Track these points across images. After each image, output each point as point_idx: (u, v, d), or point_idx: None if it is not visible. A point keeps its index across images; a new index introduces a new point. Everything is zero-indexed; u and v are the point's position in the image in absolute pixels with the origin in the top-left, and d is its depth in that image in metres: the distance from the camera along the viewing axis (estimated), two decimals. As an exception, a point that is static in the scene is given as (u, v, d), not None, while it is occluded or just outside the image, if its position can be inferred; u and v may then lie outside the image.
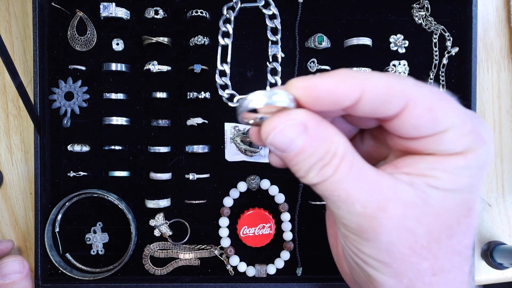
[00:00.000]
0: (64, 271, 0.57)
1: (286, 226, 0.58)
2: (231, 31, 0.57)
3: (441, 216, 0.27)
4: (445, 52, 0.59)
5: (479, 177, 0.27)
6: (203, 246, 0.59)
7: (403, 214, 0.26)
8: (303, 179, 0.27)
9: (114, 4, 0.57)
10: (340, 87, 0.25)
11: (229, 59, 0.57)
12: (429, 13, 0.59)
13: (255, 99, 0.24)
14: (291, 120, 0.25)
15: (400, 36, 0.58)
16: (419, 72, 0.59)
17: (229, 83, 0.57)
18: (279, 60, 0.57)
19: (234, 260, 0.58)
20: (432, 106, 0.25)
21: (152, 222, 0.58)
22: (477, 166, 0.27)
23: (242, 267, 0.58)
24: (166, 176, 0.58)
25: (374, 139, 0.33)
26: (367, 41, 0.57)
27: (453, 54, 0.58)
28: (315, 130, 0.26)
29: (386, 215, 0.26)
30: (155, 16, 0.58)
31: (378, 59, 0.59)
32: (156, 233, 0.58)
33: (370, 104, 0.25)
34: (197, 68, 0.57)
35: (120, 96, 0.58)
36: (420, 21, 0.59)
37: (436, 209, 0.26)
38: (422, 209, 0.26)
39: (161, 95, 0.58)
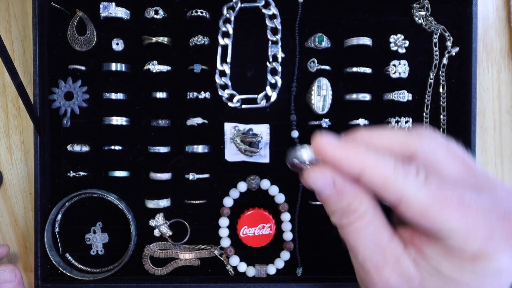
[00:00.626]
0: (64, 271, 0.57)
1: (286, 226, 0.58)
2: (231, 31, 0.57)
3: None
4: (445, 52, 0.59)
5: (493, 285, 0.27)
6: (203, 246, 0.59)
7: (395, 281, 0.28)
8: (330, 216, 0.33)
9: (114, 4, 0.57)
10: (343, 162, 0.29)
11: (229, 59, 0.57)
12: (429, 13, 0.59)
13: (305, 154, 0.33)
14: (323, 175, 0.31)
15: (400, 36, 0.58)
16: (419, 72, 0.59)
17: (229, 83, 0.57)
18: (279, 60, 0.57)
19: (234, 260, 0.58)
20: (428, 209, 0.26)
21: (152, 222, 0.58)
22: (489, 275, 0.26)
23: (242, 267, 0.58)
24: (166, 176, 0.58)
25: None
26: (367, 41, 0.57)
27: (453, 54, 0.58)
28: (341, 186, 0.30)
29: (379, 274, 0.29)
30: (155, 16, 0.58)
31: (378, 59, 0.59)
32: (156, 233, 0.58)
33: (369, 186, 0.28)
34: (197, 68, 0.57)
35: (120, 96, 0.58)
36: (420, 21, 0.59)
37: None
38: (416, 285, 0.28)
39: (161, 95, 0.58)
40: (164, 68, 0.57)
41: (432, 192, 0.26)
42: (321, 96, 0.57)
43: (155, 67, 0.57)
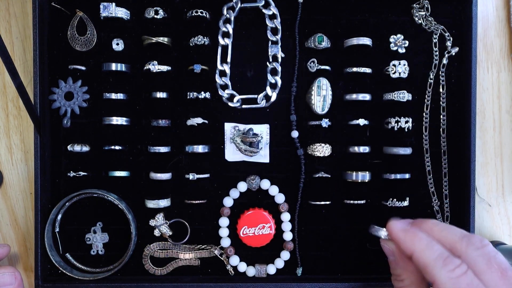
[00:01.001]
0: (64, 271, 0.57)
1: (286, 226, 0.58)
2: (231, 31, 0.57)
3: None
4: (445, 52, 0.59)
5: None
6: (203, 246, 0.59)
7: None
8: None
9: (114, 4, 0.57)
10: (401, 242, 0.41)
11: (229, 59, 0.57)
12: (429, 13, 0.59)
13: (381, 232, 0.48)
14: (388, 246, 0.46)
15: (400, 36, 0.58)
16: (419, 72, 0.59)
17: (229, 83, 0.57)
18: (279, 60, 0.57)
19: (234, 260, 0.58)
20: (425, 264, 0.38)
21: (152, 222, 0.58)
22: None
23: (242, 267, 0.58)
24: (166, 176, 0.58)
25: None
26: (367, 41, 0.57)
27: (453, 54, 0.58)
28: (396, 259, 0.43)
29: None
30: (155, 16, 0.58)
31: (378, 59, 0.59)
32: (156, 233, 0.58)
33: (417, 264, 0.39)
34: (197, 68, 0.57)
35: (120, 96, 0.58)
36: (420, 21, 0.59)
37: None
38: None
39: (161, 95, 0.58)
40: (164, 68, 0.57)
41: (459, 286, 0.35)
42: (321, 96, 0.57)
43: (155, 67, 0.57)
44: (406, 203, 0.58)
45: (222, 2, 0.57)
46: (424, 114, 0.59)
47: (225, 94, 0.57)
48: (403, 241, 0.40)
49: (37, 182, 0.56)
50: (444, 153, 0.59)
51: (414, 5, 0.59)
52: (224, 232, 0.58)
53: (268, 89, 0.57)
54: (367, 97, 0.58)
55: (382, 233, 0.47)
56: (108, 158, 0.59)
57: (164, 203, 0.58)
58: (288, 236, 0.58)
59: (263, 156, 0.58)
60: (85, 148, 0.58)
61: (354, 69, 0.57)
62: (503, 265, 0.37)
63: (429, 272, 0.37)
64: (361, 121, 0.57)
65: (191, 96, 0.57)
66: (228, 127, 0.58)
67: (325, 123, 0.58)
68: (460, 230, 0.40)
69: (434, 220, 0.43)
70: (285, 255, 0.58)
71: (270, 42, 0.58)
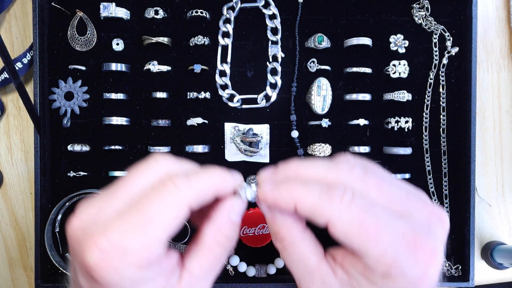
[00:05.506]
0: (64, 271, 0.57)
1: (286, 226, 0.58)
2: (231, 31, 0.57)
3: None
4: (445, 52, 0.59)
5: None
6: (203, 246, 0.59)
7: None
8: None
9: (114, 4, 0.57)
10: (281, 204, 0.33)
11: (229, 59, 0.57)
12: (429, 13, 0.59)
13: (249, 194, 0.36)
14: (263, 203, 0.35)
15: (400, 36, 0.58)
16: (419, 72, 0.59)
17: (229, 83, 0.57)
18: (279, 60, 0.57)
19: (234, 260, 0.58)
20: (349, 230, 0.30)
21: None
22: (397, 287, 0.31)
23: (242, 267, 0.58)
24: (166, 176, 0.58)
25: None
26: (367, 41, 0.57)
27: (453, 54, 0.58)
28: (271, 215, 0.35)
29: None
30: (155, 16, 0.58)
31: (378, 59, 0.59)
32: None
33: (304, 215, 0.32)
34: (197, 68, 0.57)
35: (120, 96, 0.58)
36: (420, 21, 0.59)
37: None
38: None
39: (161, 95, 0.58)
40: (164, 68, 0.57)
41: (353, 216, 0.29)
42: (321, 96, 0.57)
43: (155, 67, 0.57)
44: (406, 203, 0.58)
45: (222, 2, 0.57)
46: (424, 114, 0.59)
47: (225, 94, 0.57)
48: (281, 201, 0.32)
49: (37, 182, 0.56)
50: (444, 153, 0.59)
51: (414, 5, 0.59)
52: (224, 232, 0.58)
53: (268, 89, 0.57)
54: (367, 97, 0.58)
55: (249, 193, 0.36)
56: (108, 158, 0.59)
57: (164, 203, 0.57)
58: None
59: (263, 156, 0.58)
60: (85, 148, 0.58)
61: (354, 69, 0.57)
62: (379, 175, 0.33)
63: (319, 216, 0.30)
64: (361, 121, 0.57)
65: (191, 96, 0.57)
66: (228, 127, 0.58)
67: (325, 123, 0.58)
68: (322, 161, 0.34)
69: (296, 160, 0.35)
70: (285, 255, 0.58)
71: (270, 42, 0.58)
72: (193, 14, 0.57)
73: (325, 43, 0.58)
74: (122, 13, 0.57)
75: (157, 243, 0.29)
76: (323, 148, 0.58)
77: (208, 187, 0.32)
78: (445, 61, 0.59)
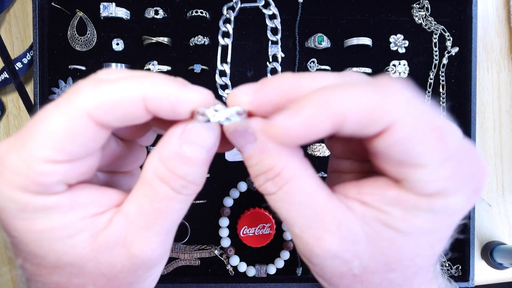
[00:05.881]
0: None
1: (286, 226, 0.58)
2: (231, 31, 0.57)
3: (382, 255, 0.25)
4: (445, 52, 0.59)
5: (445, 224, 0.25)
6: (203, 246, 0.59)
7: (340, 247, 0.24)
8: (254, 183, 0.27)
9: (114, 4, 0.57)
10: (313, 129, 0.22)
11: (229, 59, 0.57)
12: (429, 13, 0.59)
13: (218, 115, 0.25)
14: (243, 127, 0.24)
15: (400, 36, 0.58)
16: (419, 72, 0.59)
17: (229, 83, 0.57)
18: (279, 60, 0.57)
19: (234, 260, 0.58)
20: (413, 138, 0.22)
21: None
22: (445, 213, 0.24)
23: (242, 267, 0.58)
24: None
25: (343, 144, 0.30)
26: (367, 41, 0.57)
27: (453, 54, 0.58)
28: (263, 144, 0.24)
29: (320, 245, 0.24)
30: (155, 16, 0.58)
31: (378, 59, 0.59)
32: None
33: (349, 131, 0.22)
34: (197, 68, 0.57)
35: (120, 96, 0.58)
36: (420, 21, 0.59)
37: (379, 248, 0.25)
38: (363, 246, 0.25)
39: (161, 95, 0.58)
40: (164, 68, 0.57)
41: (420, 113, 0.22)
42: (321, 96, 0.57)
43: (155, 67, 0.57)
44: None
45: (222, 2, 0.57)
46: (424, 114, 0.59)
47: (225, 94, 0.57)
48: (311, 119, 0.22)
49: (37, 182, 0.56)
50: (444, 153, 0.59)
51: (414, 5, 0.59)
52: (224, 232, 0.58)
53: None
54: (367, 97, 0.58)
55: (227, 113, 0.25)
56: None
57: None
58: (288, 235, 0.58)
59: (263, 156, 0.58)
60: (85, 148, 0.58)
61: (354, 69, 0.57)
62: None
63: (378, 121, 0.21)
64: (361, 121, 0.57)
65: (191, 96, 0.57)
66: (228, 127, 0.58)
67: (325, 123, 0.58)
68: (326, 73, 0.25)
69: (288, 73, 0.25)
70: (285, 255, 0.58)
71: (270, 42, 0.58)
72: (193, 14, 0.57)
73: (325, 43, 0.58)
74: (122, 13, 0.57)
75: (41, 160, 0.22)
76: (324, 149, 0.58)
77: (128, 96, 0.22)
78: (445, 61, 0.59)
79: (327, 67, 0.58)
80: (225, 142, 0.26)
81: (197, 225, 0.59)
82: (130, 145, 0.30)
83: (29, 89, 0.58)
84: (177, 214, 0.26)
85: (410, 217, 0.24)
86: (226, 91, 0.57)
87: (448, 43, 0.59)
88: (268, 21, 0.57)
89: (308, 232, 0.25)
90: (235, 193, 0.58)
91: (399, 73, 0.57)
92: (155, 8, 0.58)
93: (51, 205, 0.23)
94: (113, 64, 0.57)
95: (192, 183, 0.25)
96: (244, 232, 0.57)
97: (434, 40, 0.59)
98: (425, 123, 0.22)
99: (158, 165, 0.24)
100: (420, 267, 0.26)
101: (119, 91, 0.22)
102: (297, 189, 0.24)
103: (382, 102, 0.21)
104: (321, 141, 0.59)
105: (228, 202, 0.58)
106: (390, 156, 0.23)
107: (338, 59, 0.59)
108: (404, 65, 0.57)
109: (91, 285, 0.25)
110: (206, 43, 0.58)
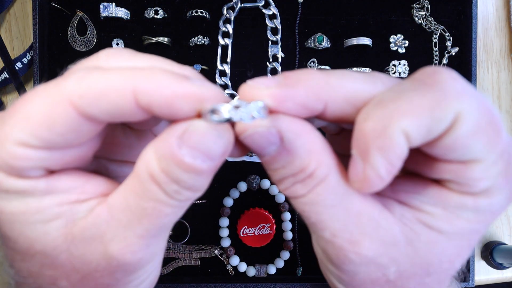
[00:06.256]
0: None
1: (287, 225, 0.58)
2: (231, 31, 0.57)
3: (422, 258, 0.23)
4: (445, 52, 0.59)
5: (487, 223, 0.23)
6: (203, 246, 0.59)
7: (377, 252, 0.23)
8: (277, 186, 0.24)
9: (114, 4, 0.57)
10: (397, 167, 0.20)
11: (229, 59, 0.57)
12: (429, 13, 0.59)
13: (225, 111, 0.20)
14: (265, 127, 0.21)
15: (400, 36, 0.58)
16: (419, 72, 0.59)
17: (229, 83, 0.57)
18: (279, 60, 0.57)
19: (234, 260, 0.58)
20: (477, 129, 0.20)
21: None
22: (489, 212, 0.22)
23: (242, 267, 0.58)
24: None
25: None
26: (367, 41, 0.57)
27: (453, 54, 0.58)
28: (292, 143, 0.21)
29: (355, 250, 0.22)
30: (155, 16, 0.58)
31: (378, 59, 0.59)
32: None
33: (416, 145, 0.21)
34: (197, 68, 0.57)
35: (120, 96, 0.57)
36: (420, 21, 0.59)
37: (419, 250, 0.23)
38: (402, 249, 0.23)
39: (161, 95, 0.58)
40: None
41: (486, 105, 0.21)
42: (321, 96, 0.57)
43: (155, 67, 0.57)
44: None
45: (222, 2, 0.57)
46: (424, 114, 0.59)
47: (225, 94, 0.57)
48: (385, 123, 0.19)
49: (37, 182, 0.56)
50: (444, 153, 0.59)
51: (414, 5, 0.59)
52: (224, 232, 0.58)
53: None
54: (367, 97, 0.58)
55: (252, 110, 0.20)
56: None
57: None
58: (288, 235, 0.58)
59: (263, 156, 0.58)
60: (85, 148, 0.58)
61: (354, 69, 0.57)
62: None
63: (448, 114, 0.19)
64: (361, 121, 0.57)
65: (191, 96, 0.57)
66: (228, 127, 0.58)
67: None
68: (355, 72, 0.23)
69: (312, 69, 0.24)
70: (285, 255, 0.58)
71: (270, 42, 0.58)
72: (193, 14, 0.57)
73: (325, 43, 0.58)
74: (122, 13, 0.57)
75: (13, 141, 0.20)
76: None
77: (115, 87, 0.20)
78: (445, 61, 0.59)
79: (327, 67, 0.58)
80: (237, 146, 0.23)
81: (197, 225, 0.59)
82: (141, 134, 0.27)
83: (29, 89, 0.58)
84: (167, 219, 0.23)
85: (453, 217, 0.22)
86: (226, 91, 0.57)
87: (448, 43, 0.59)
88: (268, 21, 0.57)
89: (342, 236, 0.22)
90: (235, 193, 0.58)
91: (399, 73, 0.57)
92: (155, 8, 0.58)
93: (25, 189, 0.21)
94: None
95: (188, 189, 0.22)
96: (244, 232, 0.57)
97: (434, 40, 0.59)
98: (485, 114, 0.20)
99: (152, 160, 0.21)
100: (455, 269, 0.25)
101: (106, 81, 0.20)
102: (331, 190, 0.22)
103: (443, 102, 0.20)
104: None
105: (228, 202, 0.58)
106: (444, 156, 0.21)
107: (338, 59, 0.59)
108: (404, 65, 0.57)
109: (64, 279, 0.23)
110: (206, 43, 0.58)
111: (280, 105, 0.21)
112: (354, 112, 0.22)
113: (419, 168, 0.23)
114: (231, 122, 0.20)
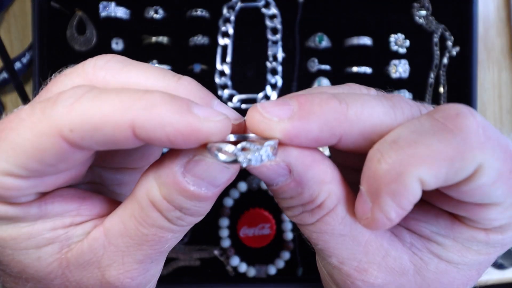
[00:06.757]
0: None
1: (287, 226, 0.58)
2: (231, 31, 0.57)
3: (430, 287, 0.23)
4: (446, 52, 0.58)
5: (497, 255, 0.23)
6: (203, 247, 0.59)
7: (384, 280, 0.22)
8: (284, 212, 0.23)
9: (113, 3, 0.57)
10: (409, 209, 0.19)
11: (229, 59, 0.57)
12: (430, 12, 0.58)
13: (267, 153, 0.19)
14: (271, 162, 0.20)
15: (400, 36, 0.58)
16: (419, 71, 0.59)
17: (229, 83, 0.57)
18: (279, 60, 0.57)
19: (234, 260, 0.58)
20: (497, 179, 0.20)
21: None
22: (501, 245, 0.23)
23: (242, 267, 0.58)
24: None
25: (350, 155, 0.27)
26: (367, 40, 0.57)
27: (454, 53, 0.58)
28: (302, 175, 0.21)
29: (362, 278, 0.22)
30: (155, 16, 0.57)
31: (378, 59, 0.59)
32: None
33: (433, 188, 0.20)
34: (197, 68, 0.57)
35: (119, 96, 0.57)
36: (421, 21, 0.59)
37: (427, 279, 0.23)
38: (410, 277, 0.23)
39: (161, 95, 0.57)
40: (164, 67, 0.57)
41: (506, 149, 0.20)
42: (321, 96, 0.57)
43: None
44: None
45: (222, 2, 0.57)
46: (424, 114, 0.58)
47: (224, 94, 0.57)
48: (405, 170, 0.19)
49: (36, 182, 0.56)
50: (444, 153, 0.59)
51: (415, 4, 0.59)
52: (224, 232, 0.58)
53: (268, 89, 0.57)
54: (367, 97, 0.57)
55: (262, 154, 0.19)
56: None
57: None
58: (288, 236, 0.58)
59: (263, 156, 0.58)
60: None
61: (354, 69, 0.57)
62: None
63: (468, 165, 0.19)
64: (362, 121, 0.57)
65: (191, 96, 0.57)
66: (228, 127, 0.58)
67: (325, 123, 0.57)
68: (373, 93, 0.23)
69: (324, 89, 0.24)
70: (286, 255, 0.58)
71: (270, 42, 0.57)
72: (193, 14, 0.57)
73: (325, 43, 0.57)
74: (122, 12, 0.57)
75: (2, 172, 0.19)
76: (323, 148, 0.57)
77: (111, 122, 0.18)
78: (446, 60, 0.58)
79: (327, 67, 0.58)
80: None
81: (197, 225, 0.59)
82: None
83: (28, 89, 0.58)
84: (168, 244, 0.22)
85: (464, 249, 0.22)
86: (226, 91, 0.57)
87: (449, 43, 0.58)
88: (268, 21, 0.57)
89: (349, 264, 0.22)
90: (235, 193, 0.58)
91: (400, 72, 0.57)
92: (154, 7, 0.57)
93: (15, 215, 0.21)
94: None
95: (191, 215, 0.22)
96: (244, 233, 0.57)
97: (435, 40, 0.58)
98: (508, 163, 0.20)
99: (153, 187, 0.20)
100: None
101: (100, 114, 0.18)
102: (339, 220, 0.22)
103: (464, 153, 0.19)
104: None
105: (228, 202, 0.58)
106: (461, 198, 0.21)
107: (338, 59, 0.59)
108: (404, 64, 0.57)
109: None
110: (206, 43, 0.57)
111: (292, 141, 0.20)
112: (368, 145, 0.21)
113: (432, 200, 0.23)
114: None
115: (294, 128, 0.20)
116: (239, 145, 0.19)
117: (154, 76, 0.22)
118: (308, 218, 0.22)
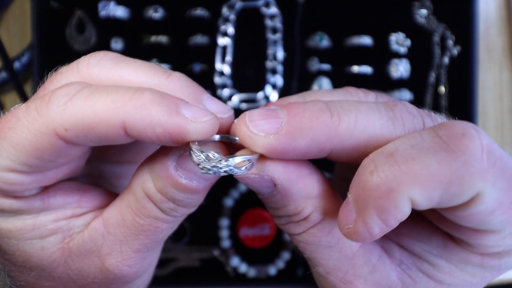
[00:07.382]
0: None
1: (286, 226, 0.58)
2: (231, 31, 0.57)
3: None
4: (447, 51, 0.58)
5: (492, 278, 0.23)
6: (203, 247, 0.59)
7: None
8: (273, 219, 0.24)
9: (113, 3, 0.57)
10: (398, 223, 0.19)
11: (229, 59, 0.57)
12: (430, 11, 0.58)
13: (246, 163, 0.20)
14: (254, 175, 0.21)
15: (401, 35, 0.58)
16: (420, 71, 0.58)
17: (229, 82, 0.57)
18: (279, 59, 0.57)
19: (234, 261, 0.58)
20: (497, 208, 0.19)
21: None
22: (497, 269, 0.23)
23: (242, 268, 0.58)
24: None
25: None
26: (368, 39, 0.57)
27: (455, 53, 0.58)
28: (286, 189, 0.21)
29: None
30: (155, 15, 0.57)
31: (379, 58, 0.58)
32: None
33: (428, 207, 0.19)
34: (197, 67, 0.57)
35: (119, 95, 0.57)
36: (421, 20, 0.58)
37: None
38: None
39: (160, 94, 0.57)
40: (162, 66, 0.57)
41: (503, 180, 0.19)
42: (321, 95, 0.57)
43: (154, 66, 0.57)
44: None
45: (222, 2, 0.56)
46: (425, 113, 0.58)
47: (224, 93, 0.57)
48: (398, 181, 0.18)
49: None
50: (445, 153, 0.58)
51: (416, 4, 0.58)
52: (224, 232, 0.58)
53: (268, 88, 0.57)
54: (368, 96, 0.57)
55: (234, 165, 0.20)
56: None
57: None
58: (288, 236, 0.58)
59: (263, 156, 0.58)
60: (84, 148, 0.57)
61: (355, 69, 0.57)
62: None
63: (467, 190, 0.18)
64: (362, 121, 0.57)
65: (190, 95, 0.57)
66: (228, 127, 0.58)
67: (325, 123, 0.57)
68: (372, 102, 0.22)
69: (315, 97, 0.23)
70: (286, 255, 0.58)
71: (270, 42, 0.57)
72: (192, 13, 0.57)
73: (326, 42, 0.57)
74: (121, 12, 0.57)
75: (3, 168, 0.21)
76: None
77: (103, 121, 0.19)
78: (446, 60, 0.58)
79: (328, 66, 0.58)
80: None
81: (197, 225, 0.59)
82: None
83: (28, 88, 0.58)
84: (163, 233, 0.23)
85: (457, 270, 0.22)
86: (226, 90, 0.57)
87: (450, 42, 0.58)
88: (268, 21, 0.57)
89: (335, 275, 0.22)
90: (235, 194, 0.58)
91: (400, 72, 0.57)
92: (154, 7, 0.57)
93: (20, 208, 0.22)
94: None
95: (184, 207, 0.23)
96: (244, 233, 0.57)
97: (436, 39, 0.58)
98: (509, 193, 0.19)
99: (148, 180, 0.21)
100: None
101: (93, 114, 0.19)
102: (326, 232, 0.22)
103: (463, 179, 0.18)
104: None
105: (228, 202, 0.58)
106: (457, 222, 0.20)
107: (338, 58, 0.59)
108: (405, 64, 0.57)
109: None
110: (206, 42, 0.57)
111: (277, 156, 0.20)
112: (362, 157, 0.20)
113: (427, 214, 0.22)
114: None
115: (280, 144, 0.20)
116: (204, 154, 0.19)
117: (145, 73, 0.23)
118: (294, 228, 0.22)
